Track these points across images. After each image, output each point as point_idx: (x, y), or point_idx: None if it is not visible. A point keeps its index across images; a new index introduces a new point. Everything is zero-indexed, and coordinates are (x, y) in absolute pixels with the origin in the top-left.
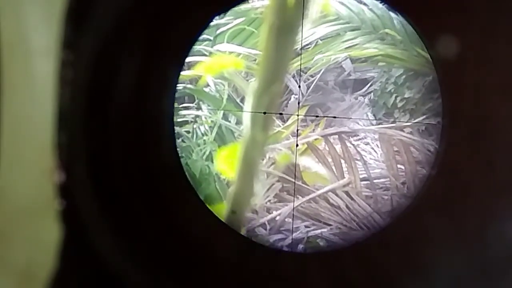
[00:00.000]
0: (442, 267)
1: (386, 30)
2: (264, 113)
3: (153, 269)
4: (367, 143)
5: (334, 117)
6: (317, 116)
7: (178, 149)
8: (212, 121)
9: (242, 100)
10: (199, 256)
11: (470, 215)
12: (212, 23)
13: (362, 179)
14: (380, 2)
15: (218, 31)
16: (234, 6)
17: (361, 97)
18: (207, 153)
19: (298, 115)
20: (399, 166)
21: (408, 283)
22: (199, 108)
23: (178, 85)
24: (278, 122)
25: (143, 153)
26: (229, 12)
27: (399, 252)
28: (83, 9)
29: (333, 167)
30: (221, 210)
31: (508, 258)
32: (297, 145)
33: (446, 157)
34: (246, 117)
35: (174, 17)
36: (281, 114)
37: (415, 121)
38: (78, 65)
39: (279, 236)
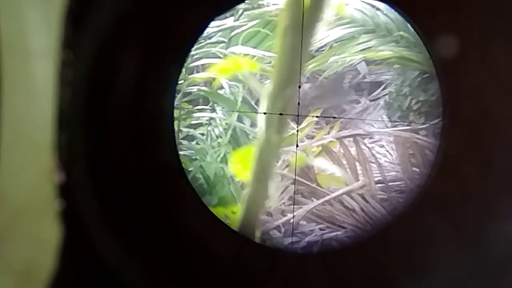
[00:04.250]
0: (442, 267)
1: (401, 33)
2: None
3: (153, 269)
4: (382, 146)
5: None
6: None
7: (192, 151)
8: (226, 123)
9: (257, 102)
10: (199, 256)
11: (470, 215)
12: (226, 26)
13: (377, 182)
14: (380, 1)
15: (233, 33)
16: (233, 6)
17: (376, 99)
18: (222, 155)
19: (298, 115)
20: (414, 168)
21: (407, 283)
22: (213, 110)
23: (178, 84)
24: (292, 124)
25: (143, 153)
26: (243, 15)
27: (399, 252)
28: (83, 9)
29: (348, 170)
30: (236, 212)
31: (508, 258)
32: (297, 146)
33: (446, 157)
34: (261, 119)
35: (173, 16)
36: (281, 114)
37: (430, 123)
38: (78, 65)
39: (294, 238)
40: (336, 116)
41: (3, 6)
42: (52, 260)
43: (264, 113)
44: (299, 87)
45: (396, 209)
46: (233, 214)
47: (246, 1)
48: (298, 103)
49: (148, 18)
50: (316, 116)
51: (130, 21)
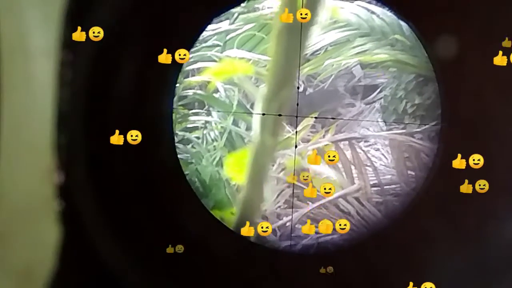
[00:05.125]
0: (441, 267)
1: (396, 36)
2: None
3: (152, 268)
4: (377, 149)
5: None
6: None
7: (188, 155)
8: (222, 126)
9: (252, 105)
10: (199, 256)
11: (470, 215)
12: (222, 29)
13: (373, 185)
14: (378, 3)
15: (228, 37)
16: (232, 7)
17: (372, 103)
18: (217, 158)
19: (297, 116)
20: (409, 172)
21: (407, 283)
22: (209, 114)
23: (176, 86)
24: (288, 128)
25: (142, 154)
26: (239, 18)
27: (399, 252)
28: (82, 9)
29: (343, 173)
30: (234, 213)
31: (507, 258)
32: (296, 146)
33: (445, 157)
34: (256, 123)
35: (173, 18)
36: (280, 115)
37: (425, 127)
38: (77, 66)
39: (290, 242)
40: (334, 117)
41: (3, 6)
42: (52, 260)
43: (263, 114)
44: (298, 88)
45: (394, 212)
46: (231, 215)
47: (242, 5)
48: (297, 104)
49: (147, 20)
50: (315, 117)
51: (129, 22)
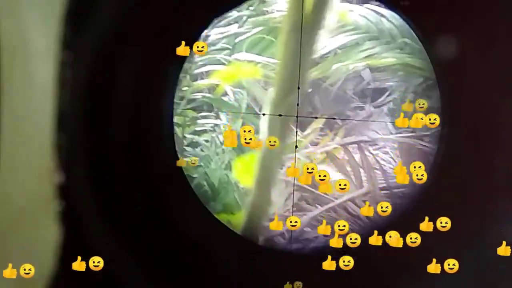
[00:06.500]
0: (441, 267)
1: (405, 39)
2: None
3: (153, 269)
4: (386, 152)
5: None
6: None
7: (196, 158)
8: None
9: (261, 109)
10: (199, 256)
11: (470, 215)
12: (230, 32)
13: (382, 189)
14: (379, 2)
15: (237, 40)
16: (233, 8)
17: (380, 106)
18: (226, 162)
19: (297, 116)
20: None
21: (408, 283)
22: (217, 117)
23: (177, 86)
24: (295, 129)
25: (142, 154)
26: (247, 21)
27: (399, 253)
28: (83, 10)
29: (352, 176)
30: (240, 218)
31: (507, 258)
32: (296, 146)
33: (446, 157)
34: (264, 126)
35: (173, 18)
36: (280, 115)
37: (434, 130)
38: (78, 66)
39: (298, 245)
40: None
41: (3, 6)
42: (52, 260)
43: (263, 114)
44: (298, 88)
45: (397, 211)
46: (237, 220)
47: (250, 8)
48: (298, 104)
49: (148, 19)
50: (315, 117)
51: (130, 22)
